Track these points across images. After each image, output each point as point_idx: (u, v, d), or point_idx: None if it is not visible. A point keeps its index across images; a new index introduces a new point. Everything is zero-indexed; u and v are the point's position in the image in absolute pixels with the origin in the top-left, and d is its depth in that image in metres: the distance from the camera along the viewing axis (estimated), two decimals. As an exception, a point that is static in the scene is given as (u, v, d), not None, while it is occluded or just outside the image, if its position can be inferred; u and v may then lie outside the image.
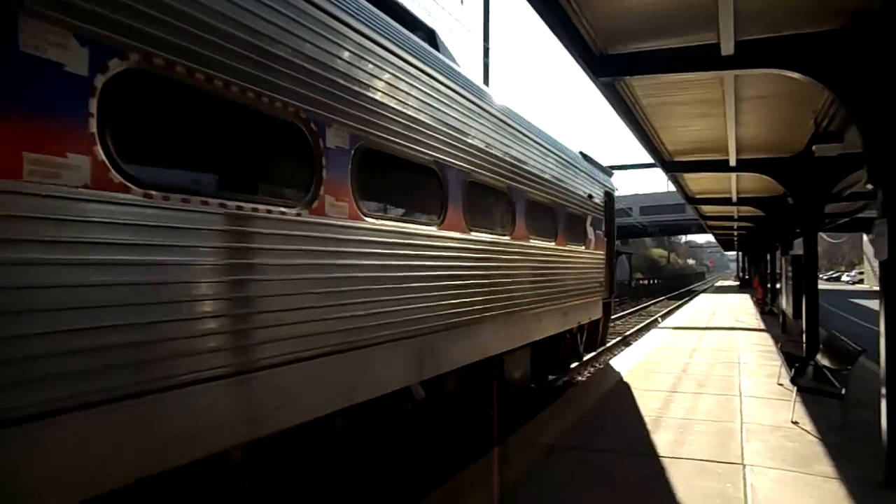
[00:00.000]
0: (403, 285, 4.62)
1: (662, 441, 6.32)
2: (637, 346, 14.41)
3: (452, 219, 5.47)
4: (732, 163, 10.80)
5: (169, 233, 2.72)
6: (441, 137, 5.24)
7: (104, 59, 2.46)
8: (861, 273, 66.98)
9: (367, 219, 4.20)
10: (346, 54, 3.99)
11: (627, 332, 19.67)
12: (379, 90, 4.35)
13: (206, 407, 2.94)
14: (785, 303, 15.31)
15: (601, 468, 5.49)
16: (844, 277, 72.77)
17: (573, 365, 11.41)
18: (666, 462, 5.66)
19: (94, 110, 2.42)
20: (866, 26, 5.07)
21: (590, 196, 10.33)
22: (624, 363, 11.42)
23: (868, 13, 5.03)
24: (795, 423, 7.00)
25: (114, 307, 2.49)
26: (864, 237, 60.49)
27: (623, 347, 15.07)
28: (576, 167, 9.67)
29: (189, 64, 2.84)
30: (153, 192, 2.65)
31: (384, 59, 4.43)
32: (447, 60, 5.65)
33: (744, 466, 5.53)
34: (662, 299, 41.76)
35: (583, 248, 9.98)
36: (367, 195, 4.26)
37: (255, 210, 3.23)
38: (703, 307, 26.82)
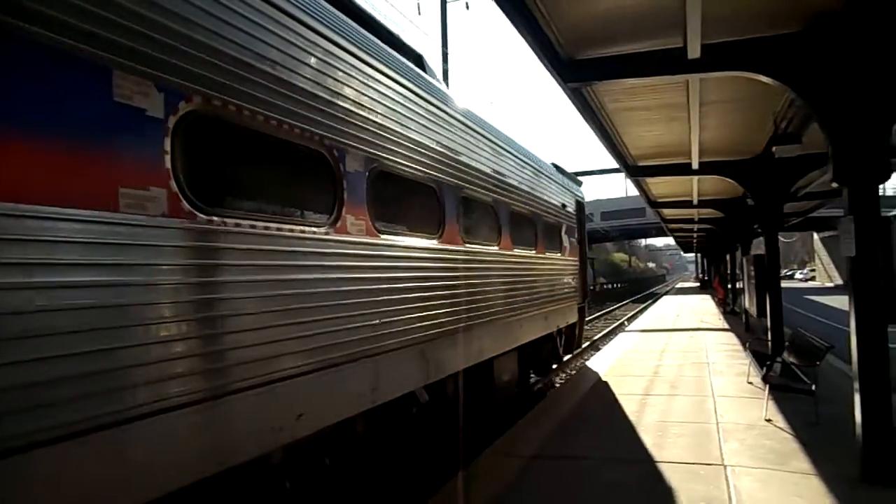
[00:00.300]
0: (410, 295, 4.97)
1: (643, 445, 6.30)
2: (607, 350, 14.50)
3: (449, 232, 5.86)
4: (695, 166, 10.99)
5: (227, 253, 3.09)
6: (439, 157, 5.64)
7: (175, 103, 2.84)
8: (813, 270, 69.36)
9: (381, 235, 4.56)
10: (355, 83, 4.30)
11: (596, 337, 19.81)
12: (386, 116, 4.70)
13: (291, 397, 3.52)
14: (748, 302, 15.65)
15: (585, 475, 5.43)
16: (797, 275, 75.21)
17: (554, 367, 11.86)
18: (648, 467, 5.63)
19: (168, 148, 2.79)
20: (828, 28, 5.18)
21: (563, 205, 10.76)
22: (597, 368, 11.45)
23: (829, 15, 5.13)
24: (769, 420, 7.08)
25: (188, 321, 2.83)
26: (815, 236, 62.78)
27: (593, 352, 15.13)
28: (551, 178, 10.15)
29: (240, 103, 3.19)
30: (214, 218, 3.00)
31: (389, 87, 4.78)
32: (438, 84, 6.08)
33: (724, 467, 5.54)
34: (627, 302, 42.35)
35: (559, 255, 10.39)
36: (380, 213, 4.58)
37: (293, 231, 3.58)
38: (667, 309, 27.26)
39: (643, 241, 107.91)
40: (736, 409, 7.72)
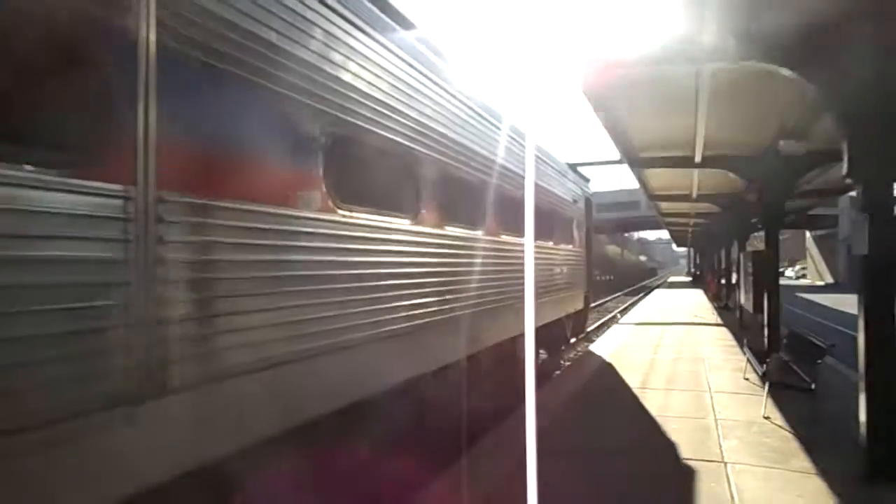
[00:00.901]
0: (460, 279, 5.92)
1: (643, 439, 6.23)
2: (602, 342, 14.45)
3: (491, 227, 6.93)
4: (698, 159, 10.86)
5: (352, 239, 4.06)
6: (478, 157, 6.51)
7: (324, 126, 3.78)
8: (804, 269, 69.62)
9: (445, 227, 5.70)
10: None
11: (589, 329, 19.75)
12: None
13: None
14: (743, 298, 15.61)
15: (594, 467, 5.35)
16: (788, 273, 75.56)
17: (563, 348, 13.12)
18: (650, 460, 5.56)
19: (321, 160, 3.75)
20: (850, 23, 5.04)
21: (575, 201, 11.86)
22: (593, 360, 11.40)
23: (853, 12, 4.99)
24: (767, 418, 7.03)
25: (332, 289, 3.82)
26: (807, 234, 63.02)
27: (586, 344, 15.08)
28: (565, 177, 11.16)
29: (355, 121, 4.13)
30: (344, 212, 3.99)
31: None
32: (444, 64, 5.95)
33: (725, 464, 5.47)
34: (619, 295, 42.40)
35: (571, 247, 11.49)
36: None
37: (390, 222, 4.62)
38: (659, 303, 27.28)
39: (635, 235, 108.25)
40: (733, 405, 7.67)
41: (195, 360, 2.76)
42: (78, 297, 2.27)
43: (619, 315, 24.95)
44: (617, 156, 12.56)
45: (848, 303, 28.54)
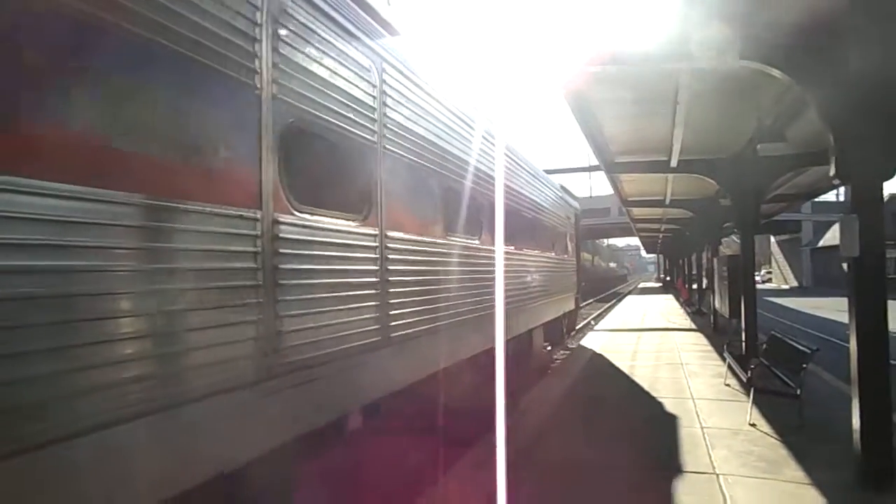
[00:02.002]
0: (491, 280, 7.35)
1: (632, 451, 6.01)
2: (580, 349, 14.28)
3: (518, 241, 8.89)
4: (673, 163, 10.79)
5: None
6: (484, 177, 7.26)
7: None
8: (769, 273, 71.16)
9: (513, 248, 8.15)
10: None
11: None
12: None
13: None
14: (718, 303, 15.64)
15: (588, 480, 5.09)
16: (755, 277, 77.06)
17: (557, 345, 14.58)
18: (641, 475, 5.33)
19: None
20: (840, 22, 4.93)
21: (567, 217, 13.84)
22: (573, 366, 11.22)
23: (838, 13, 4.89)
24: (753, 425, 6.88)
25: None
26: (772, 238, 64.43)
27: (563, 352, 14.90)
28: (561, 196, 13.10)
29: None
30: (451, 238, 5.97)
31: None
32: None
33: (717, 476, 5.27)
34: (591, 301, 42.51)
35: (565, 256, 13.51)
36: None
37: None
38: (632, 309, 27.37)
39: (605, 241, 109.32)
40: (718, 412, 7.52)
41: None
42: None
43: (592, 322, 24.90)
44: (587, 163, 13.05)
45: (813, 305, 29.28)
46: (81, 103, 2.23)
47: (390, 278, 4.53)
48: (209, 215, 2.79)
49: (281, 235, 3.29)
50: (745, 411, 7.21)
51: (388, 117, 4.58)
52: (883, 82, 4.79)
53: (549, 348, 12.78)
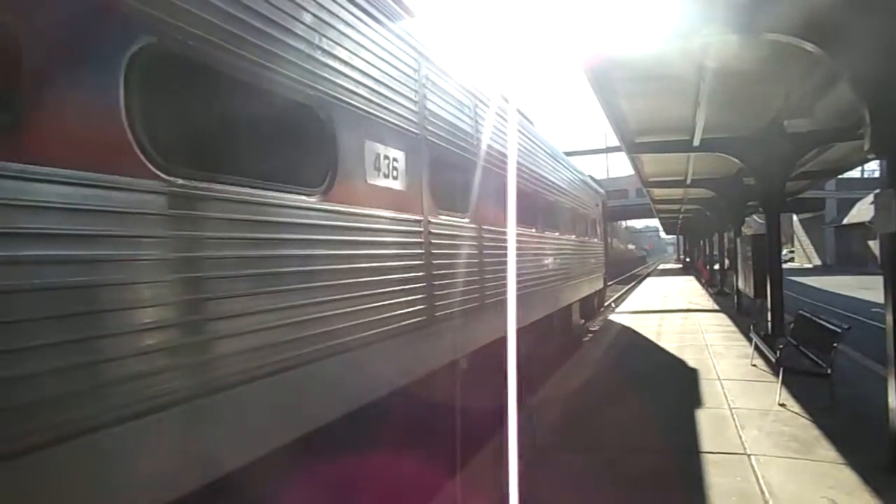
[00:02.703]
0: (548, 265, 9.48)
1: (665, 433, 5.98)
2: (602, 331, 14.23)
3: (559, 227, 10.52)
4: (696, 142, 10.59)
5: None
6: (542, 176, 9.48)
7: None
8: (792, 252, 69.97)
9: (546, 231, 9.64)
10: None
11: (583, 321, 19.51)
12: None
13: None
14: (742, 283, 15.44)
15: (610, 467, 5.08)
16: (776, 257, 75.83)
17: (591, 319, 16.44)
18: (674, 456, 5.30)
19: None
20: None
21: (597, 205, 15.73)
22: (598, 347, 11.19)
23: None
24: (783, 405, 6.81)
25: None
26: (794, 217, 63.33)
27: (588, 334, 14.86)
28: (590, 186, 15.13)
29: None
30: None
31: None
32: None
33: (748, 456, 5.23)
34: (612, 283, 42.24)
35: (595, 240, 15.38)
36: None
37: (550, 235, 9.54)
38: (653, 291, 27.15)
39: (623, 223, 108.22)
40: (745, 392, 7.45)
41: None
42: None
43: (613, 304, 24.72)
44: (604, 144, 13.12)
45: (837, 284, 28.81)
46: (345, 161, 3.68)
47: (485, 260, 6.27)
48: (406, 222, 4.44)
49: (432, 231, 4.87)
50: (774, 392, 7.13)
51: (486, 143, 6.36)
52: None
53: (583, 322, 15.03)
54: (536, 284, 8.62)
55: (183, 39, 2.53)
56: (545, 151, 9.90)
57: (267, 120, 3.18)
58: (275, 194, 3.06)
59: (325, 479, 3.49)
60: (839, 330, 6.89)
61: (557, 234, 10.30)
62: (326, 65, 3.49)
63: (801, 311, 8.80)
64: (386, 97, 4.20)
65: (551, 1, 5.75)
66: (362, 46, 3.90)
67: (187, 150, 2.64)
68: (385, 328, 4.01)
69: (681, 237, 61.27)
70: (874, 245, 41.81)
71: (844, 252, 48.43)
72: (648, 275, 49.47)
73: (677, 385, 8.01)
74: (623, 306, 20.90)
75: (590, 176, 15.65)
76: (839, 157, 13.59)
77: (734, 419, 6.36)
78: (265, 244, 2.98)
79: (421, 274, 4.60)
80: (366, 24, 3.98)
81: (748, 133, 10.45)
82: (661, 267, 67.72)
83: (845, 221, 47.29)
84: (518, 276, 7.61)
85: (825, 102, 8.04)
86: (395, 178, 4.28)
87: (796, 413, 6.52)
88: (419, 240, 4.63)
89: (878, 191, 5.06)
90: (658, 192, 22.01)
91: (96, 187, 2.13)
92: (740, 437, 5.75)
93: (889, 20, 4.74)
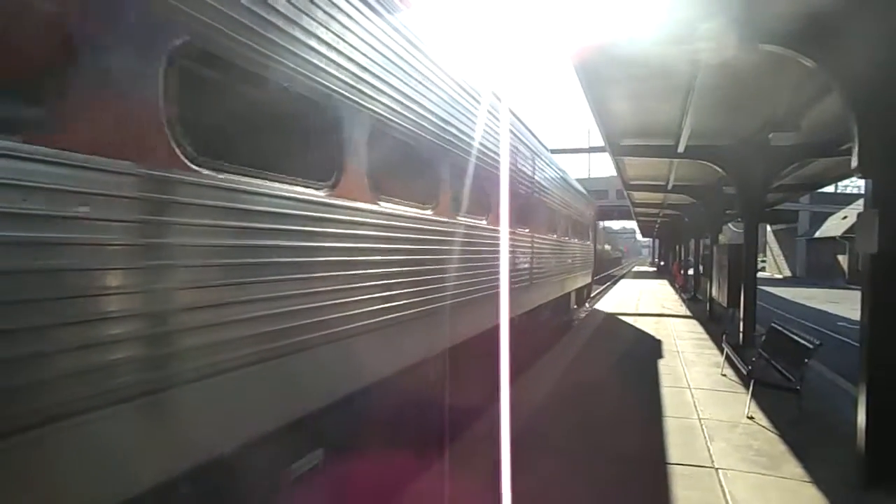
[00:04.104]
0: (550, 260, 11.69)
1: (633, 441, 5.92)
2: (575, 332, 14.22)
3: (576, 235, 15.30)
4: (681, 149, 10.57)
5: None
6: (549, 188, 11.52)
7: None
8: (763, 261, 71.19)
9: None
10: None
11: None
12: None
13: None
14: (716, 291, 15.55)
15: (583, 467, 4.98)
16: (748, 265, 77.02)
17: (581, 307, 20.26)
18: (642, 466, 5.23)
19: None
20: (868, 9, 4.70)
21: (591, 214, 19.47)
22: (569, 350, 11.14)
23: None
24: (751, 418, 6.80)
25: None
26: (768, 228, 64.39)
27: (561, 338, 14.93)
28: (586, 197, 18.35)
29: None
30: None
31: None
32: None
33: (716, 470, 5.18)
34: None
35: (588, 242, 18.56)
36: None
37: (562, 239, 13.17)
38: (627, 293, 27.30)
39: (601, 224, 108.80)
40: (715, 403, 7.43)
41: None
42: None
43: (588, 305, 24.82)
44: (587, 144, 13.41)
45: (806, 295, 29.33)
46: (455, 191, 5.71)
47: (536, 257, 9.97)
48: (490, 230, 6.89)
49: (508, 238, 7.67)
50: (743, 403, 7.13)
51: (539, 175, 9.93)
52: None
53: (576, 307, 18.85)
54: (550, 275, 11.79)
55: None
56: (564, 179, 13.60)
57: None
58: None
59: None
60: (811, 346, 6.89)
61: (568, 238, 13.97)
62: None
63: (773, 324, 8.81)
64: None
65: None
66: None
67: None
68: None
69: (657, 241, 61.89)
70: (843, 260, 42.75)
71: (815, 265, 49.38)
72: (623, 276, 49.92)
73: (647, 392, 7.97)
74: (597, 307, 20.96)
75: (586, 191, 19.28)
76: (817, 173, 13.73)
77: (703, 430, 6.33)
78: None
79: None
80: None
81: (733, 143, 10.45)
82: (635, 269, 68.37)
83: (817, 235, 48.20)
84: (541, 268, 10.73)
85: (811, 118, 8.04)
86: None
87: (764, 427, 6.51)
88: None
89: (858, 209, 5.02)
90: (639, 196, 22.08)
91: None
92: (708, 450, 5.71)
93: (887, 37, 4.69)
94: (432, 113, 4.91)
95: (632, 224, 60.23)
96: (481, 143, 6.31)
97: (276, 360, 2.96)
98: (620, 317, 16.88)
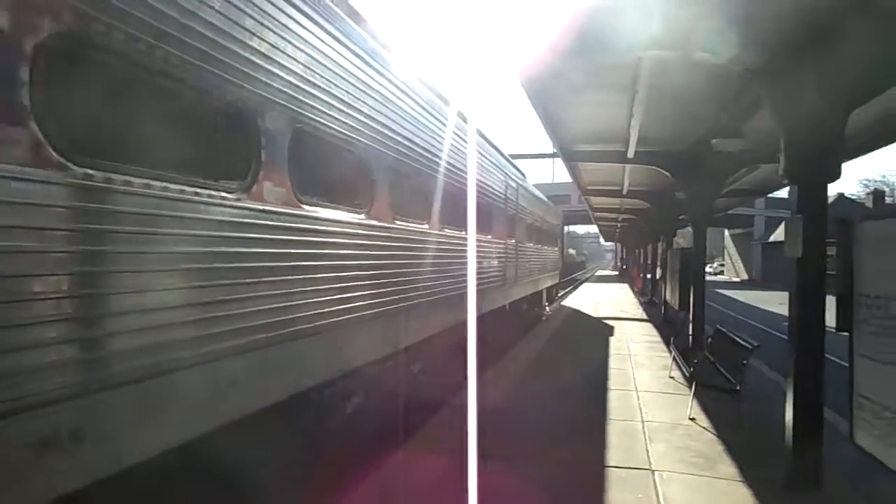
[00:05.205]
0: (528, 263, 14.66)
1: (574, 444, 5.96)
2: (532, 336, 14.31)
3: (545, 242, 18.25)
4: (630, 154, 10.76)
5: None
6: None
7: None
8: (722, 265, 73.07)
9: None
10: None
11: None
12: None
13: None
14: (669, 295, 15.84)
15: (521, 472, 4.99)
16: (707, 269, 79.03)
17: (549, 305, 22.45)
18: (580, 468, 5.27)
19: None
20: (790, 20, 4.83)
21: (557, 224, 22.35)
22: (525, 353, 11.20)
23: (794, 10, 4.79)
24: (693, 419, 6.93)
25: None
26: (726, 232, 66.12)
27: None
28: (552, 209, 20.73)
29: None
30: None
31: None
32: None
33: (653, 472, 5.25)
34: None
35: (556, 248, 21.52)
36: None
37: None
38: (588, 297, 27.67)
39: (566, 228, 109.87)
40: (660, 405, 7.56)
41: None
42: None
43: (548, 309, 25.03)
44: (550, 149, 13.41)
45: (760, 298, 30.14)
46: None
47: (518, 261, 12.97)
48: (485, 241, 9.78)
49: (518, 251, 12.79)
50: (687, 405, 7.26)
51: (518, 199, 12.92)
52: (835, 82, 4.75)
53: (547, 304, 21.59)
54: (530, 274, 14.87)
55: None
56: (537, 199, 16.55)
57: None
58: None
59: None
60: (749, 347, 7.06)
61: (540, 246, 16.79)
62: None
63: (717, 326, 9.02)
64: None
65: (488, 8, 5.61)
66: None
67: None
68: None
69: (619, 245, 62.88)
70: (796, 263, 44.04)
71: (770, 268, 50.82)
72: (586, 280, 50.55)
73: (594, 395, 8.04)
74: (556, 314, 21.16)
75: (554, 208, 22.26)
76: (767, 178, 14.10)
77: (644, 432, 6.42)
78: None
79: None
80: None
81: (680, 149, 10.68)
82: (598, 273, 69.44)
83: (772, 239, 49.64)
84: (519, 269, 13.22)
85: (752, 125, 8.24)
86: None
87: (705, 428, 6.64)
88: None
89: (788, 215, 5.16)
90: (596, 201, 22.41)
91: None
92: (647, 452, 5.79)
93: (808, 54, 4.84)
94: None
95: (596, 228, 60.97)
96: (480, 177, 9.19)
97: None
98: (578, 321, 17.09)
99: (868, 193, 57.01)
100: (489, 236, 9.75)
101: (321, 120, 4.18)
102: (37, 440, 2.18)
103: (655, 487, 4.92)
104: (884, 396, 3.36)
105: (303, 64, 3.93)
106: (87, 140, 2.48)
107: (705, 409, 7.27)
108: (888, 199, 54.08)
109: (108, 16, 2.46)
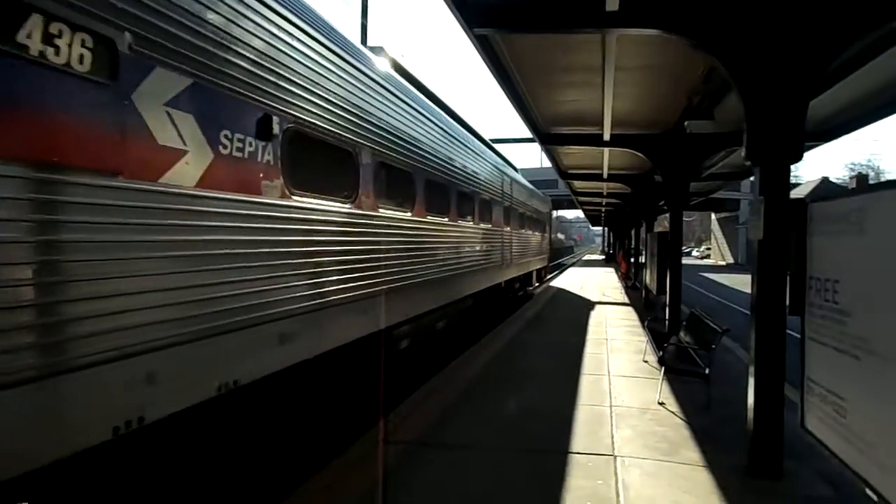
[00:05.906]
0: (517, 247, 16.53)
1: (540, 430, 5.92)
2: (511, 320, 14.27)
3: (535, 229, 20.71)
4: (606, 137, 10.64)
5: None
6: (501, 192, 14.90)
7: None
8: (708, 249, 73.50)
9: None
10: None
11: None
12: None
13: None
14: (649, 278, 15.84)
15: (487, 460, 4.91)
16: (694, 253, 79.65)
17: (538, 284, 24.78)
18: (542, 456, 5.20)
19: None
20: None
21: (546, 212, 24.43)
22: (503, 336, 11.15)
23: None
24: (662, 404, 6.89)
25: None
26: (713, 216, 66.38)
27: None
28: (541, 198, 22.70)
29: None
30: None
31: None
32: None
33: (615, 458, 5.20)
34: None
35: (545, 234, 23.87)
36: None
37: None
38: (572, 281, 27.68)
39: (554, 213, 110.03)
40: (631, 390, 7.52)
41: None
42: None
43: (542, 284, 25.05)
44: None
45: (742, 281, 30.36)
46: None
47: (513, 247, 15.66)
48: (486, 229, 12.11)
49: (512, 237, 15.30)
50: (657, 389, 7.22)
51: (513, 193, 15.36)
52: (796, 61, 4.65)
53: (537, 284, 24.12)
54: (521, 257, 17.02)
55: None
56: (527, 190, 18.54)
57: None
58: None
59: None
60: (718, 330, 7.02)
61: (531, 232, 19.09)
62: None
63: (692, 310, 8.98)
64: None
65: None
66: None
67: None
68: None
69: (606, 229, 63.02)
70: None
71: (755, 252, 51.10)
72: (573, 264, 50.65)
73: (566, 380, 7.99)
74: (538, 297, 21.14)
75: (543, 194, 24.29)
76: (742, 161, 14.07)
77: (611, 417, 6.37)
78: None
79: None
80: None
81: (656, 131, 10.58)
82: (586, 258, 69.56)
83: (757, 222, 49.80)
84: (514, 252, 15.47)
85: (723, 107, 8.15)
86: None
87: (673, 412, 6.60)
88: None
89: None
90: (578, 185, 22.33)
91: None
92: (612, 437, 5.74)
93: (768, 24, 4.73)
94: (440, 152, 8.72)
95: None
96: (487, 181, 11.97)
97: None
98: (557, 307, 17.06)
99: (852, 177, 57.43)
100: (490, 226, 12.23)
101: (391, 153, 6.51)
102: None
103: (616, 474, 4.86)
104: (829, 381, 3.29)
105: (380, 118, 6.19)
106: (298, 182, 4.56)
107: (675, 394, 7.24)
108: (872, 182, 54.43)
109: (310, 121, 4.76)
